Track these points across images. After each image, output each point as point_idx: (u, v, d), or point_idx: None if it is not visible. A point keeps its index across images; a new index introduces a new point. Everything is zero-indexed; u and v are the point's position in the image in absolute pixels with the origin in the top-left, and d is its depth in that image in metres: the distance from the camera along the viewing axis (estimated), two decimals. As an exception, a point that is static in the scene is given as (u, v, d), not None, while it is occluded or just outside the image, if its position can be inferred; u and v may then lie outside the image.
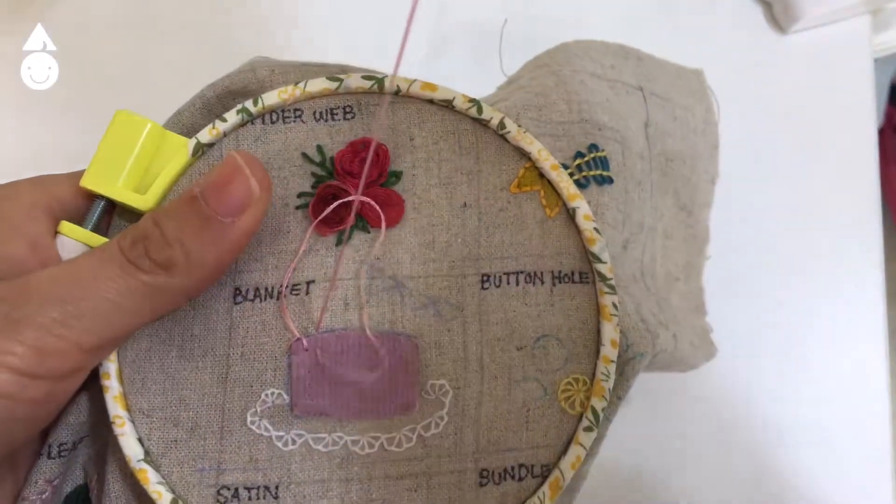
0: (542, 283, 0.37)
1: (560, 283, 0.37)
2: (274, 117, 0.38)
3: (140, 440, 0.35)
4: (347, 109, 0.38)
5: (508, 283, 0.37)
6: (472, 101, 0.38)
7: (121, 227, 0.37)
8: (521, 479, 0.36)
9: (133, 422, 0.35)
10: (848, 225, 0.61)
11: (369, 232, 0.37)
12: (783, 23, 0.65)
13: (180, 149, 0.37)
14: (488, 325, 0.36)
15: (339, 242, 0.37)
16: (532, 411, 0.36)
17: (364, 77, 0.38)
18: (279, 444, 0.35)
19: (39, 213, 0.35)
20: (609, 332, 0.36)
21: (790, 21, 0.64)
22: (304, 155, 0.37)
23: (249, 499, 0.35)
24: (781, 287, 0.60)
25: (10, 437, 0.31)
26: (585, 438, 0.36)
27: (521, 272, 0.37)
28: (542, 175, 0.38)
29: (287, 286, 0.36)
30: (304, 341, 0.36)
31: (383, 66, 0.39)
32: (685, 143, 0.48)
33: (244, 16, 0.64)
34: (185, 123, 0.38)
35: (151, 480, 0.34)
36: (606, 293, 0.37)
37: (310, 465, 0.35)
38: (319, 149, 0.37)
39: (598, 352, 0.37)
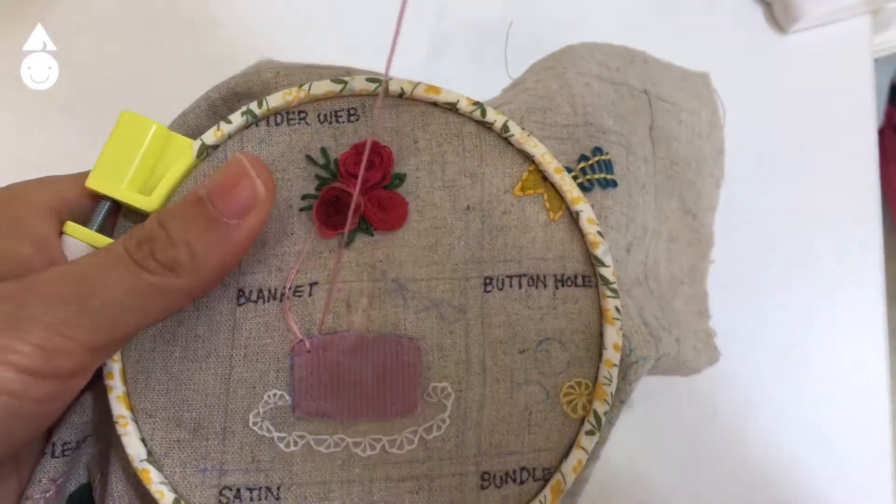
0: (545, 286, 0.37)
1: (563, 286, 0.37)
2: (278, 119, 0.38)
3: (143, 440, 0.35)
4: (352, 112, 0.38)
5: (511, 286, 0.37)
6: (476, 103, 0.38)
7: (126, 228, 0.37)
8: (522, 483, 0.36)
9: (136, 422, 0.35)
10: (848, 225, 0.61)
11: (373, 234, 0.37)
12: (783, 23, 0.64)
13: (185, 150, 0.37)
14: (491, 327, 0.37)
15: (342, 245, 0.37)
16: (534, 414, 0.36)
17: (368, 79, 0.38)
18: (281, 446, 0.35)
19: (46, 213, 0.35)
20: (612, 335, 0.36)
21: (790, 21, 0.64)
22: (309, 157, 0.37)
23: (251, 499, 0.35)
24: (781, 287, 0.60)
25: (15, 435, 0.31)
26: (587, 442, 0.36)
27: (524, 275, 0.37)
28: (545, 178, 0.38)
29: (290, 288, 0.36)
30: (307, 343, 0.36)
31: (383, 65, 0.39)
32: (690, 146, 0.48)
33: (244, 16, 0.64)
34: (190, 125, 0.39)
35: (154, 480, 0.34)
36: (609, 297, 0.37)
37: (311, 466, 0.35)
38: (323, 151, 0.37)
39: (600, 355, 0.37)
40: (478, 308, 0.37)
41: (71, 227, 0.35)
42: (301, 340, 0.36)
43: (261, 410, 0.35)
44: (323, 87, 0.37)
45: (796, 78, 0.64)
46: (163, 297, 0.32)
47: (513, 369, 0.36)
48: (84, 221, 0.36)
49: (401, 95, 0.38)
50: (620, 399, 0.37)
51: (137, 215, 0.37)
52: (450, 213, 0.37)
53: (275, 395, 0.36)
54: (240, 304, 0.36)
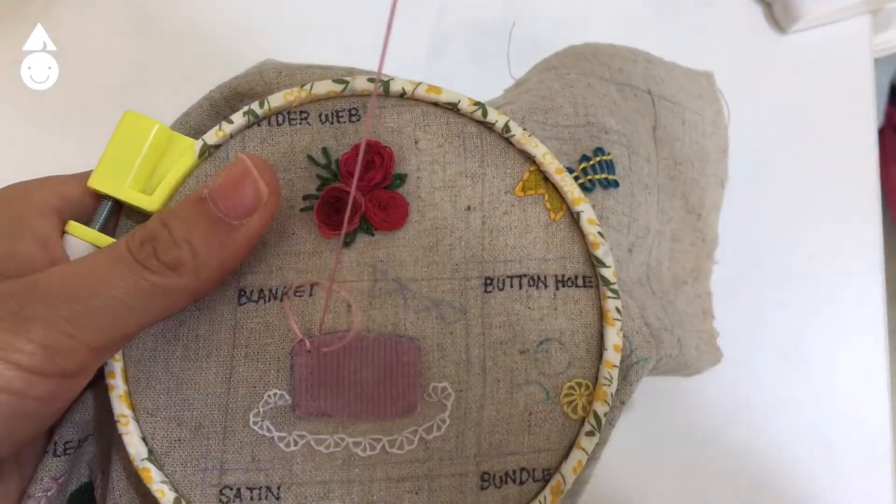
0: (546, 286, 0.37)
1: (563, 286, 0.37)
2: (280, 119, 0.38)
3: (144, 439, 0.35)
4: (353, 112, 0.38)
5: (512, 287, 0.37)
6: (478, 104, 0.38)
7: (128, 228, 0.37)
8: (522, 483, 0.36)
9: (137, 421, 0.35)
10: (848, 225, 0.61)
11: (373, 234, 0.37)
12: (783, 23, 0.65)
13: (187, 150, 0.37)
14: (491, 328, 0.37)
15: (343, 245, 0.37)
16: (534, 415, 0.36)
17: (370, 79, 0.38)
18: (281, 445, 0.35)
19: (48, 212, 0.35)
20: (612, 336, 0.36)
21: (790, 21, 0.64)
22: (310, 157, 0.37)
23: (251, 499, 0.35)
24: (781, 287, 0.60)
25: (17, 433, 0.31)
26: (587, 443, 0.36)
27: (525, 276, 0.37)
28: (546, 179, 0.38)
29: (291, 288, 0.36)
30: (307, 343, 0.36)
31: (386, 68, 0.39)
32: (694, 146, 0.48)
33: (245, 16, 0.64)
34: (192, 125, 0.39)
35: (155, 479, 0.34)
36: (610, 297, 0.37)
37: (311, 465, 0.35)
38: (325, 151, 0.37)
39: (600, 356, 0.37)
40: (478, 308, 0.37)
41: (73, 226, 0.35)
42: (301, 340, 0.36)
43: (261, 410, 0.35)
44: (324, 87, 0.37)
45: (796, 78, 0.64)
46: (165, 296, 0.32)
47: (513, 370, 0.36)
48: (86, 221, 0.36)
49: (402, 96, 0.38)
50: (621, 400, 0.37)
51: (139, 215, 0.37)
52: (450, 213, 0.37)
53: (275, 394, 0.36)
54: (241, 304, 0.36)
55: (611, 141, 0.41)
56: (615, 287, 0.37)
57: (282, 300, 0.36)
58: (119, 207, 0.37)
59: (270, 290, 0.36)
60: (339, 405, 0.36)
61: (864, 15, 0.65)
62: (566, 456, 0.36)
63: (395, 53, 0.42)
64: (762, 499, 0.56)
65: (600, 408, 0.36)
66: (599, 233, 0.37)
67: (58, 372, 0.30)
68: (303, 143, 0.37)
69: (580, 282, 0.37)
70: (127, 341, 0.35)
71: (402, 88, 0.38)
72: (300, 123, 0.38)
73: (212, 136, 0.37)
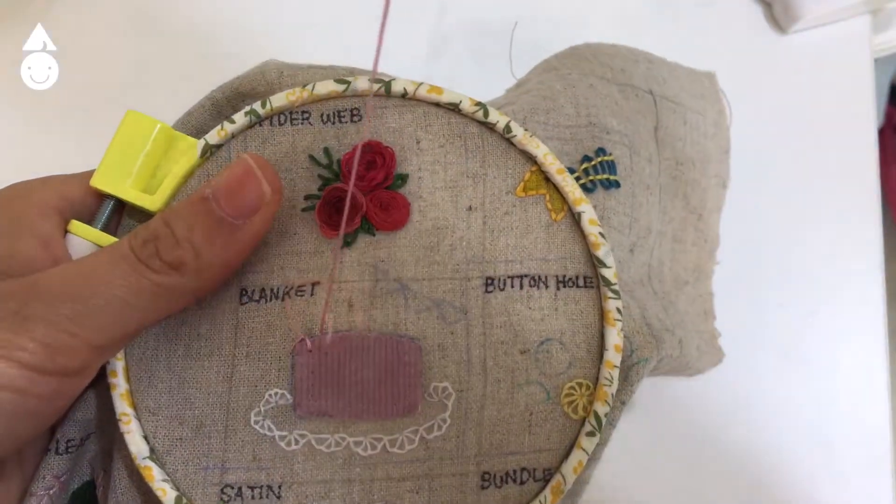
0: (547, 287, 0.37)
1: (564, 287, 0.37)
2: (282, 119, 0.38)
3: (146, 438, 0.35)
4: (355, 112, 0.38)
5: (512, 287, 0.37)
6: (479, 104, 0.38)
7: (130, 227, 0.37)
8: (522, 483, 0.36)
9: (139, 419, 0.35)
10: (848, 225, 0.61)
11: (374, 235, 0.37)
12: (783, 23, 0.65)
13: (189, 149, 0.37)
14: (492, 328, 0.37)
15: (344, 245, 0.37)
16: (535, 415, 0.36)
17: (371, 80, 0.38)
18: (282, 444, 0.35)
19: (50, 212, 0.35)
20: (613, 336, 0.37)
21: (790, 21, 0.64)
22: (312, 157, 0.37)
23: (252, 498, 0.35)
24: (781, 287, 0.60)
25: (19, 431, 0.31)
26: (588, 443, 0.36)
27: (526, 276, 0.37)
28: (547, 179, 0.38)
29: (292, 287, 0.36)
30: (308, 342, 0.36)
31: (387, 68, 0.39)
32: (696, 146, 0.48)
33: (244, 16, 0.64)
34: (194, 124, 0.39)
35: (156, 478, 0.34)
36: (611, 298, 0.37)
37: (312, 465, 0.35)
38: (326, 151, 0.38)
39: (601, 356, 0.37)
40: (479, 308, 0.37)
41: (75, 225, 0.35)
42: (302, 340, 0.36)
43: (262, 409, 0.35)
44: (326, 87, 0.37)
45: (796, 78, 0.64)
46: (167, 295, 0.32)
47: (514, 370, 0.36)
48: (88, 220, 0.36)
49: (403, 96, 0.38)
50: (622, 400, 0.37)
51: (141, 214, 0.37)
52: (452, 213, 0.37)
53: (276, 393, 0.36)
54: (242, 304, 0.36)
55: (612, 141, 0.41)
56: (616, 287, 0.37)
57: (283, 300, 0.36)
58: (121, 207, 0.37)
59: (272, 290, 0.36)
60: (340, 404, 0.36)
61: (864, 15, 0.65)
62: (567, 456, 0.36)
63: (395, 54, 0.42)
64: (762, 499, 0.56)
65: (601, 408, 0.36)
66: (600, 233, 0.37)
67: (59, 370, 0.30)
68: (304, 142, 0.38)
69: (581, 282, 0.37)
70: (129, 340, 0.35)
71: (404, 89, 0.38)
72: (302, 123, 0.38)
73: (214, 136, 0.37)
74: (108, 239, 0.36)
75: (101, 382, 0.36)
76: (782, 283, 0.60)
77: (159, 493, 0.34)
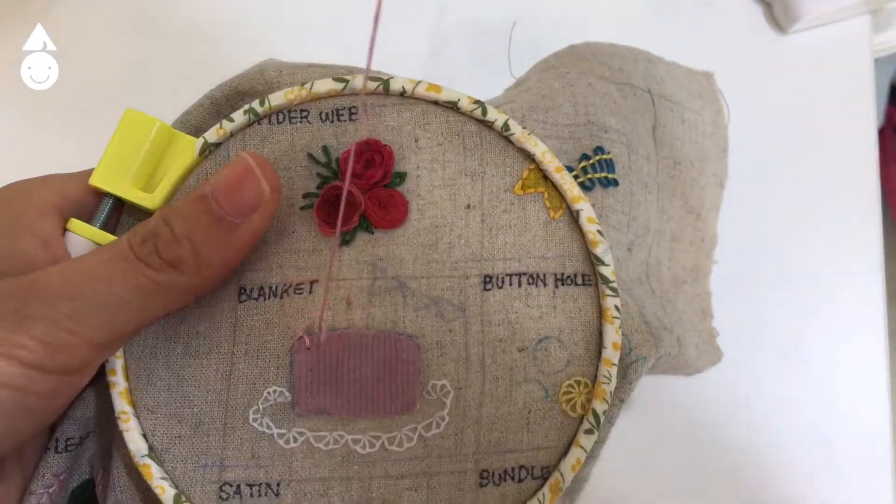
0: (545, 284, 0.37)
1: (563, 285, 0.37)
2: (280, 118, 0.38)
3: (144, 436, 0.35)
4: (353, 110, 0.38)
5: (511, 285, 0.37)
6: (477, 102, 0.38)
7: (129, 226, 0.37)
8: (521, 481, 0.36)
9: (138, 417, 0.35)
10: (848, 225, 0.61)
11: (373, 233, 0.37)
12: (783, 23, 0.65)
13: (188, 148, 0.37)
14: (490, 326, 0.37)
15: (343, 243, 0.37)
16: (533, 413, 0.36)
17: (370, 78, 0.38)
18: (281, 442, 0.35)
19: (49, 210, 0.35)
20: (611, 334, 0.37)
21: (790, 21, 0.64)
22: (310, 155, 0.38)
23: (251, 495, 0.35)
24: (781, 287, 0.60)
25: (19, 429, 0.31)
26: (586, 441, 0.36)
27: (524, 274, 0.37)
28: (546, 177, 0.38)
29: (291, 285, 0.36)
30: (307, 340, 0.36)
31: (387, 68, 0.39)
32: (694, 145, 0.48)
33: (244, 16, 0.64)
34: (193, 123, 0.39)
35: (155, 476, 0.34)
36: (609, 296, 0.37)
37: (311, 462, 0.35)
38: (325, 149, 0.38)
39: (599, 354, 0.37)
40: (477, 306, 0.37)
41: (75, 224, 0.35)
42: (301, 338, 0.36)
43: (261, 407, 0.35)
44: (325, 85, 0.37)
45: (796, 78, 0.64)
46: (166, 293, 0.32)
47: (512, 367, 0.36)
48: (87, 219, 0.36)
49: (402, 94, 0.38)
50: (620, 398, 0.37)
51: (141, 213, 0.37)
52: (450, 211, 0.37)
53: (275, 391, 0.36)
54: (241, 302, 0.36)
55: (611, 140, 0.41)
56: (614, 285, 0.37)
57: (282, 298, 0.36)
58: (120, 205, 0.37)
59: (270, 288, 0.36)
60: (338, 402, 0.36)
61: (864, 15, 0.65)
62: (565, 454, 0.36)
63: (395, 54, 0.42)
64: (762, 499, 0.56)
65: (599, 406, 0.36)
66: (599, 231, 0.37)
67: (59, 368, 0.30)
68: (303, 141, 0.38)
69: (579, 280, 0.37)
70: (128, 338, 0.35)
71: (402, 87, 0.38)
72: (300, 122, 0.38)
73: (212, 135, 0.37)
74: (107, 237, 0.36)
75: (100, 381, 0.36)
76: (782, 283, 0.60)
77: (158, 491, 0.34)
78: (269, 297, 0.36)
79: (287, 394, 0.36)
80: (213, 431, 0.35)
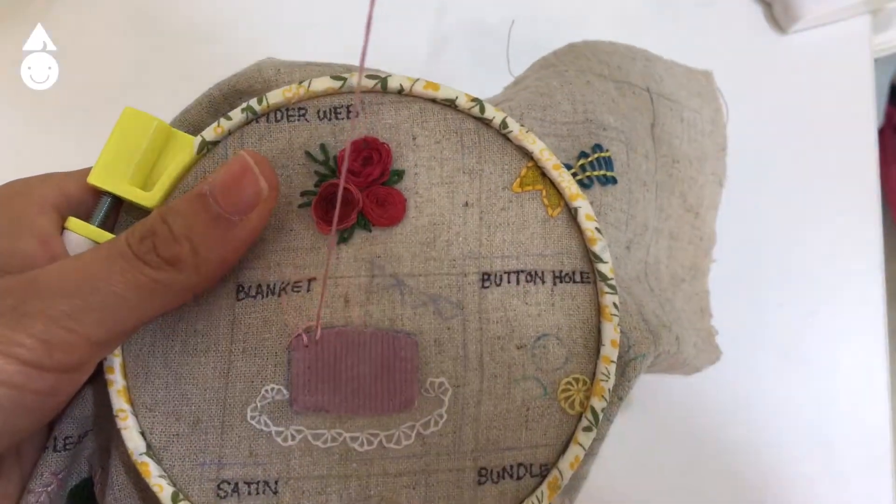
0: (543, 282, 0.37)
1: (561, 282, 0.37)
2: (278, 116, 0.38)
3: (142, 434, 0.35)
4: (351, 108, 0.38)
5: (509, 282, 0.37)
6: (475, 100, 0.38)
7: (127, 224, 0.37)
8: (519, 478, 0.36)
9: (136, 415, 0.35)
10: (848, 225, 0.61)
11: (371, 230, 0.37)
12: (783, 23, 0.65)
13: (186, 146, 0.37)
14: (488, 323, 0.37)
15: (341, 240, 0.37)
16: (531, 410, 0.36)
17: (368, 76, 0.38)
18: (279, 440, 0.35)
19: (48, 209, 0.35)
20: (609, 332, 0.36)
21: (790, 21, 0.64)
22: (308, 153, 0.38)
23: (249, 493, 0.35)
24: (781, 287, 0.60)
25: (17, 427, 0.31)
26: (584, 438, 0.36)
27: (522, 271, 0.37)
28: (544, 174, 0.38)
29: (289, 283, 0.36)
30: (305, 338, 0.36)
31: (387, 68, 0.39)
32: (692, 144, 0.48)
33: (244, 16, 0.64)
34: (191, 121, 0.39)
35: (153, 474, 0.34)
36: (607, 293, 0.37)
37: (309, 460, 0.35)
38: (323, 147, 0.38)
39: (598, 352, 0.37)
40: (475, 304, 0.37)
41: (73, 222, 0.35)
42: (299, 335, 0.36)
43: (259, 405, 0.35)
44: (322, 83, 0.37)
45: (796, 78, 0.64)
46: (164, 291, 0.32)
47: (510, 365, 0.36)
48: (86, 217, 0.36)
49: (400, 92, 0.38)
50: (619, 396, 0.37)
51: (139, 211, 0.37)
52: (448, 209, 0.37)
53: (273, 389, 0.36)
54: (239, 300, 0.36)
55: (609, 138, 0.41)
56: (613, 283, 0.37)
57: (279, 296, 0.36)
58: (119, 204, 0.37)
59: (268, 286, 0.36)
60: (336, 400, 0.36)
61: (864, 15, 0.65)
62: (563, 451, 0.36)
63: (395, 53, 0.42)
64: (762, 499, 0.56)
65: (598, 403, 0.36)
66: (597, 228, 0.37)
67: (57, 366, 0.30)
68: (301, 139, 0.38)
69: (578, 277, 0.37)
70: (127, 336, 0.35)
71: (400, 85, 0.38)
72: (298, 120, 0.38)
73: (210, 133, 0.37)
74: (105, 236, 0.36)
75: (98, 379, 0.36)
76: (782, 283, 0.60)
77: (156, 489, 0.34)
78: (267, 295, 0.36)
79: (285, 391, 0.36)
80: (210, 429, 0.35)
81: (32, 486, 0.35)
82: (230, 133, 0.37)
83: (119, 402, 0.35)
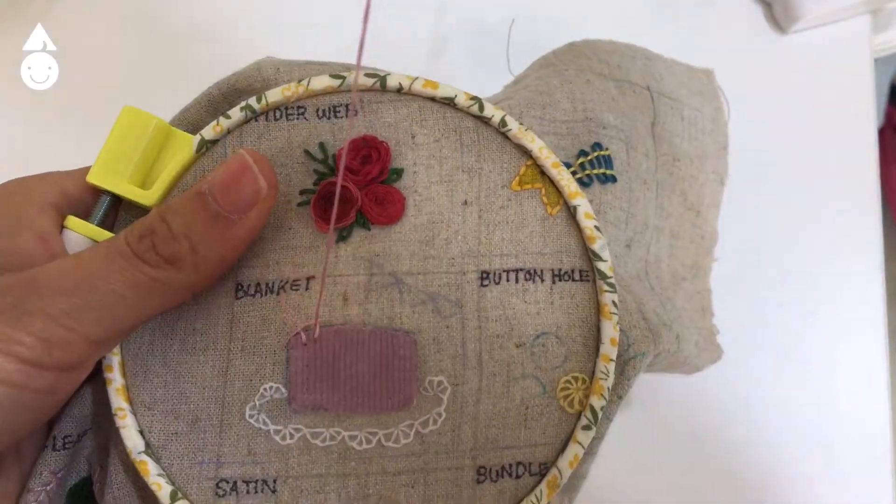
0: (542, 280, 0.37)
1: (560, 280, 0.37)
2: (277, 114, 0.38)
3: (141, 432, 0.35)
4: (350, 107, 0.38)
5: (508, 281, 0.37)
6: (474, 98, 0.38)
7: (127, 223, 0.37)
8: (518, 477, 0.36)
9: (135, 414, 0.35)
10: (848, 225, 0.61)
11: (370, 229, 0.37)
12: (783, 23, 0.65)
13: (185, 145, 0.37)
14: (487, 322, 0.37)
15: (339, 239, 0.37)
16: (530, 409, 0.36)
17: (367, 74, 0.38)
18: (277, 438, 0.35)
19: (47, 207, 0.35)
20: (609, 330, 0.36)
21: (790, 21, 0.64)
22: (307, 152, 0.38)
23: (247, 492, 0.35)
24: (781, 287, 0.60)
25: (16, 426, 0.31)
26: (584, 437, 0.36)
27: (521, 269, 0.37)
28: (543, 173, 0.38)
29: (288, 282, 0.36)
30: (303, 336, 0.36)
31: (387, 67, 0.39)
32: (693, 143, 0.48)
33: (244, 16, 0.64)
34: (190, 120, 0.39)
35: (151, 472, 0.34)
36: (606, 291, 0.37)
37: (307, 459, 0.35)
38: (322, 146, 0.38)
39: (597, 350, 0.37)
40: (474, 302, 0.37)
41: (72, 221, 0.35)
42: (297, 334, 0.36)
43: (257, 403, 0.35)
44: (322, 82, 0.37)
45: (796, 78, 0.64)
46: (163, 290, 0.32)
47: (509, 363, 0.36)
48: (85, 216, 0.36)
49: (399, 91, 0.38)
50: (618, 394, 0.37)
51: (138, 210, 0.37)
52: (447, 207, 0.37)
53: (271, 388, 0.36)
54: (238, 298, 0.36)
55: (609, 136, 0.41)
56: (612, 281, 0.37)
57: (278, 294, 0.36)
58: (118, 202, 0.37)
59: (267, 285, 0.36)
60: (335, 399, 0.36)
61: (864, 15, 0.65)
62: (563, 450, 0.36)
63: (395, 53, 0.42)
64: (762, 498, 0.56)
65: (597, 402, 0.36)
66: (596, 227, 0.37)
67: (57, 365, 0.30)
68: (300, 138, 0.38)
69: (577, 276, 0.37)
70: (126, 335, 0.35)
71: (399, 83, 0.38)
72: (297, 118, 0.38)
73: (209, 132, 0.37)
74: (104, 234, 0.36)
75: (97, 378, 0.36)
76: (782, 282, 0.60)
77: (154, 488, 0.34)
78: (266, 294, 0.36)
79: (283, 390, 0.36)
80: (209, 428, 0.35)
81: (32, 485, 0.35)
82: (229, 132, 0.37)
83: (118, 401, 0.35)
